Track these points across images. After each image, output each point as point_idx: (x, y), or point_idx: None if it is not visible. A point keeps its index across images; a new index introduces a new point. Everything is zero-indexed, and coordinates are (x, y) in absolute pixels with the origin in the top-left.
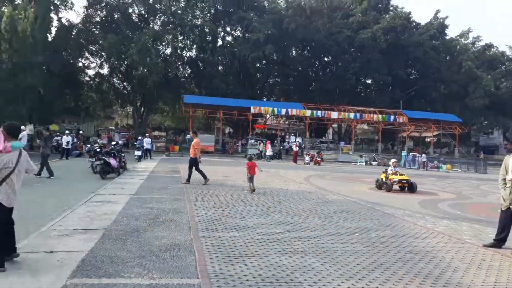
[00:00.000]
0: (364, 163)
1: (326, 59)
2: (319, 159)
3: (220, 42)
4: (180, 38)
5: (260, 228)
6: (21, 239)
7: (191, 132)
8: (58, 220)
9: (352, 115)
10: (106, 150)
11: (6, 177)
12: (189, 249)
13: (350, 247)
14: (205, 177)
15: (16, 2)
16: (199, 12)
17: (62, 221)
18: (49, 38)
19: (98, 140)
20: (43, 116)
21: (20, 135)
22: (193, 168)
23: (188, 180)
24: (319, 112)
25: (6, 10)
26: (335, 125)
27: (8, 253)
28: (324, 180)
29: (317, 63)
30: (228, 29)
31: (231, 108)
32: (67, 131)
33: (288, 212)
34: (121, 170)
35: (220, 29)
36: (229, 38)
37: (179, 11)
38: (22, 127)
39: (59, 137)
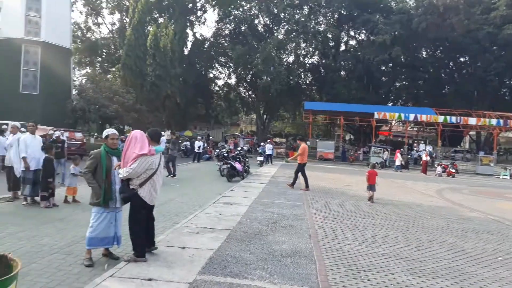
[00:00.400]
0: (508, 177)
1: (462, 59)
2: (453, 171)
3: (343, 47)
4: (303, 45)
5: (385, 243)
6: (159, 234)
7: (297, 138)
8: (190, 218)
9: (494, 121)
10: (232, 155)
11: (150, 177)
12: (309, 257)
13: (493, 273)
14: (307, 185)
15: (159, 21)
16: (322, 18)
17: (193, 220)
18: (185, 52)
19: (225, 146)
20: (179, 122)
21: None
22: (299, 173)
23: (292, 185)
24: (453, 118)
25: (151, 29)
26: (472, 133)
27: (149, 246)
28: (460, 195)
29: (451, 64)
30: (351, 33)
31: (353, 114)
32: (198, 137)
33: (417, 228)
34: (245, 174)
35: (343, 34)
36: (352, 42)
37: (303, 19)
38: (161, 133)
39: (187, 142)
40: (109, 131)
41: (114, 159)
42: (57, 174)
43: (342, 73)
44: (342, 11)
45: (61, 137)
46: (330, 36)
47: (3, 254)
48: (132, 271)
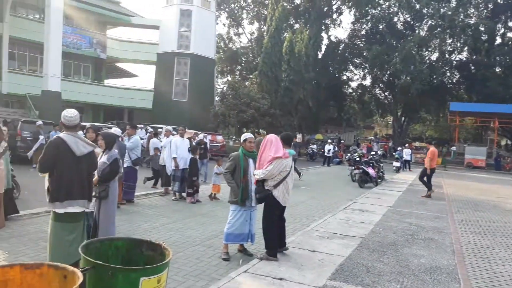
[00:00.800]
0: None
1: None
2: None
3: (498, 40)
4: (449, 41)
5: None
6: (289, 235)
7: (426, 141)
8: (320, 222)
9: None
10: (365, 159)
11: (283, 179)
12: (452, 275)
13: None
14: (429, 189)
15: (294, 28)
16: (473, 10)
17: (323, 224)
18: (319, 56)
19: (357, 150)
20: (310, 126)
21: None
22: (425, 177)
23: (429, 193)
24: None
25: (287, 35)
26: None
27: (280, 246)
28: None
29: None
30: (510, 24)
31: (510, 115)
32: (329, 140)
33: None
34: (379, 180)
35: (499, 25)
36: (511, 35)
37: (449, 12)
38: (293, 136)
39: (313, 146)
40: (247, 135)
41: (251, 161)
42: (200, 174)
43: (497, 69)
44: (499, 0)
45: (204, 140)
46: (482, 29)
47: (159, 243)
48: (264, 268)
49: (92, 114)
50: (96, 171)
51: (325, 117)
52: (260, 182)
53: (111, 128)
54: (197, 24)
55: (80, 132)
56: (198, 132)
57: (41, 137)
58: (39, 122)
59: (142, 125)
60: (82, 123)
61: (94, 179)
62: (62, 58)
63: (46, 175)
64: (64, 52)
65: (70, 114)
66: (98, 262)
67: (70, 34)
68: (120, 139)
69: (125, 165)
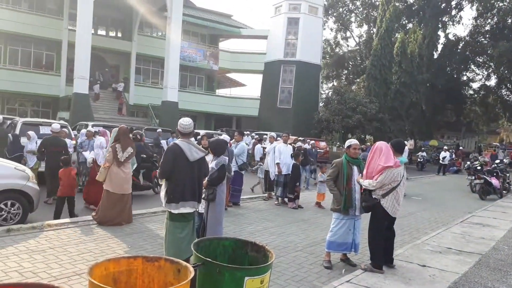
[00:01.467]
0: None
1: None
2: None
3: None
4: None
5: None
6: (397, 247)
7: None
8: (432, 236)
9: None
10: (488, 168)
11: (393, 188)
12: None
13: None
14: None
15: (407, 27)
16: None
17: (436, 238)
18: (435, 56)
19: (479, 157)
20: (423, 131)
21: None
22: None
23: None
24: None
25: (399, 36)
26: None
27: (386, 262)
28: None
29: None
30: None
31: None
32: (445, 147)
33: None
34: (504, 192)
35: None
36: None
37: None
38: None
39: (423, 153)
40: (351, 141)
41: (355, 168)
42: (302, 180)
43: None
44: None
45: (303, 146)
46: None
47: (263, 245)
48: (368, 280)
49: (204, 122)
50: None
51: (441, 121)
52: (367, 190)
53: (221, 135)
54: (304, 31)
55: (193, 139)
56: (300, 138)
57: (163, 142)
58: (159, 130)
59: (248, 132)
60: (196, 131)
61: (204, 183)
62: (179, 71)
63: (164, 181)
64: (181, 65)
65: (185, 122)
66: (207, 259)
67: (187, 48)
68: (228, 145)
69: (232, 170)
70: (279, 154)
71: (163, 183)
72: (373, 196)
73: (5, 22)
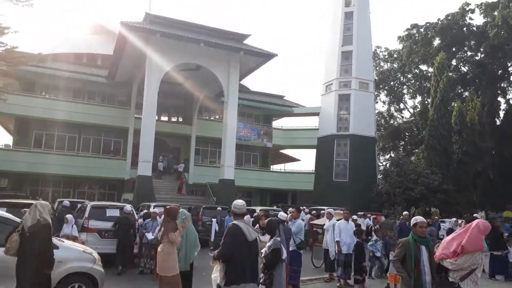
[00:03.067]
0: None
1: None
2: None
3: None
4: None
5: None
6: None
7: None
8: None
9: None
10: None
11: (473, 271)
12: None
13: None
14: None
15: (463, 96)
16: None
17: None
18: (497, 123)
19: None
20: (495, 201)
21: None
22: None
23: None
24: None
25: (455, 105)
26: None
27: None
28: None
29: None
30: None
31: None
32: None
33: None
34: None
35: None
36: None
37: None
38: (475, 215)
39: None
40: (417, 218)
41: (423, 248)
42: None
43: None
44: None
45: (358, 222)
46: None
47: None
48: None
49: (260, 198)
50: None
51: None
52: (443, 272)
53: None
54: (356, 106)
55: (247, 216)
56: (360, 213)
57: (214, 220)
58: (219, 208)
59: (304, 207)
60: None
61: (261, 267)
62: (235, 150)
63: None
64: (236, 144)
65: (239, 204)
66: None
67: (242, 128)
68: (285, 222)
69: (290, 249)
70: (339, 231)
71: (216, 264)
72: (450, 280)
73: (80, 114)
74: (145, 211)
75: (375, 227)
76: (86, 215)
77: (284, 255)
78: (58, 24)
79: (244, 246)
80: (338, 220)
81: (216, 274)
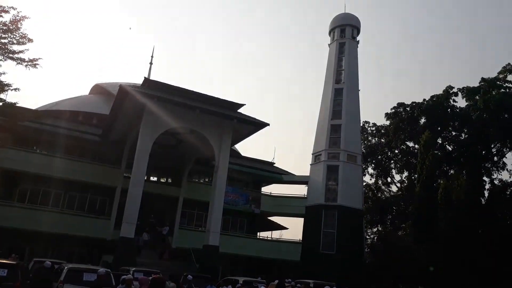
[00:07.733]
0: None
1: None
2: None
3: None
4: None
5: None
6: None
7: None
8: None
9: None
10: None
11: None
12: None
13: None
14: None
15: (449, 173)
16: None
17: None
18: (482, 201)
19: None
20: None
21: None
22: None
23: None
24: None
25: (441, 182)
26: None
27: None
28: None
29: None
30: None
31: None
32: None
33: None
34: None
35: None
36: None
37: None
38: None
39: None
40: None
41: None
42: None
43: None
44: None
45: None
46: None
47: None
48: None
49: (243, 267)
50: None
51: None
52: None
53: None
54: (344, 177)
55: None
56: None
57: None
58: (189, 277)
59: (289, 280)
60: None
61: None
62: (222, 215)
63: None
64: (224, 209)
65: None
66: None
67: (231, 193)
68: None
69: None
70: None
71: None
72: None
73: (69, 171)
74: (123, 277)
75: None
76: (62, 278)
77: None
78: (59, 83)
79: None
80: None
81: None
